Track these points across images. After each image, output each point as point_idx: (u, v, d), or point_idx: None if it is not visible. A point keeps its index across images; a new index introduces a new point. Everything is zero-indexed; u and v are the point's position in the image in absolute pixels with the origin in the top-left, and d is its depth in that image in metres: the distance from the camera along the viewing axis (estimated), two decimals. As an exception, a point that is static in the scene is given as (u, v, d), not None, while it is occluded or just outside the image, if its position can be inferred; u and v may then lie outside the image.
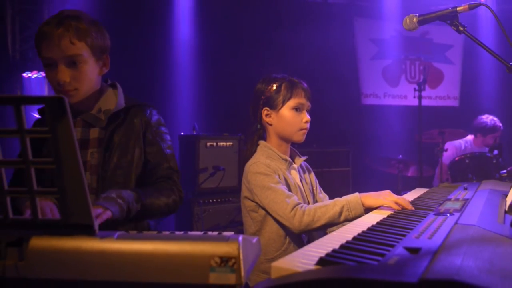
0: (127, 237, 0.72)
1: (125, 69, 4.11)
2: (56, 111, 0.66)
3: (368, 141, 5.30)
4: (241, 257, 0.66)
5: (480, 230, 0.99)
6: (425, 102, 4.11)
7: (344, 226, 1.19)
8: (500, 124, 4.25)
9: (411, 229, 1.06)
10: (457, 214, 1.21)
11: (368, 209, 1.52)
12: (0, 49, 4.11)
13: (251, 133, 1.83)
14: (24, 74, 4.26)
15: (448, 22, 1.59)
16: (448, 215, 1.21)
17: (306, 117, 1.75)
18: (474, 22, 5.57)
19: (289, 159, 1.76)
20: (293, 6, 5.35)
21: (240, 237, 0.69)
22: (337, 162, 4.70)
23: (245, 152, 1.81)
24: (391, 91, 5.91)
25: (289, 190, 1.68)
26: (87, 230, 0.72)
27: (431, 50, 6.04)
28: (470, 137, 4.44)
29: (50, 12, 4.16)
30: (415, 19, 1.65)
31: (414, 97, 3.95)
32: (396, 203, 1.48)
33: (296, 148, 1.87)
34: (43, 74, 4.05)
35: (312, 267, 0.75)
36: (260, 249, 0.80)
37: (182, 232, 0.78)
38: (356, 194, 1.57)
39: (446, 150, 4.13)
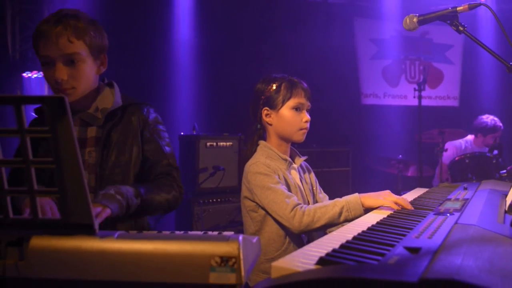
0: (127, 236, 0.72)
1: (125, 69, 4.11)
2: (56, 110, 0.66)
3: (368, 141, 5.30)
4: (241, 256, 0.66)
5: (480, 230, 0.99)
6: (425, 102, 4.11)
7: (344, 226, 1.19)
8: (501, 124, 4.25)
9: (411, 228, 1.06)
10: (457, 214, 1.21)
11: (368, 210, 1.52)
12: (0, 49, 4.11)
13: (251, 133, 1.83)
14: (24, 74, 4.26)
15: (448, 22, 1.59)
16: (448, 215, 1.21)
17: (306, 116, 1.75)
18: (474, 22, 5.57)
19: (289, 159, 1.76)
20: (293, 6, 5.34)
21: (240, 237, 0.69)
22: (337, 162, 4.70)
23: (245, 152, 1.81)
24: (391, 91, 5.90)
25: (289, 190, 1.68)
26: (87, 230, 0.72)
27: (431, 50, 6.04)
28: (470, 137, 4.44)
29: (50, 12, 4.12)
30: (415, 19, 1.65)
31: (414, 97, 3.95)
32: (396, 203, 1.48)
33: (296, 148, 1.87)
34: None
35: (312, 266, 0.75)
36: (260, 249, 0.80)
37: (182, 232, 0.78)
38: (356, 194, 1.57)
39: (446, 150, 4.13)
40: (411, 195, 1.81)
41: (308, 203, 1.77)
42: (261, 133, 1.80)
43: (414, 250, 0.81)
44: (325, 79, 4.89)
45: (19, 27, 4.27)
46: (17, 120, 0.68)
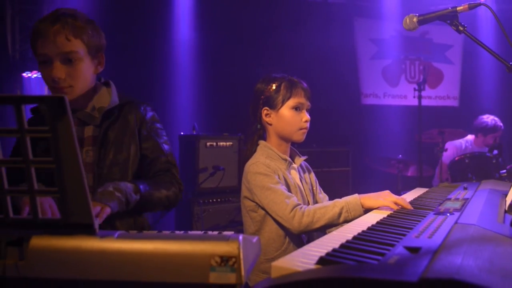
0: (127, 236, 0.72)
1: (125, 69, 4.12)
2: (56, 110, 0.66)
3: (368, 141, 5.30)
4: (241, 256, 0.66)
5: (480, 230, 0.99)
6: (425, 102, 4.11)
7: (344, 226, 1.19)
8: (501, 124, 4.25)
9: (411, 228, 1.06)
10: (457, 214, 1.21)
11: (367, 210, 1.53)
12: (0, 49, 4.11)
13: (251, 133, 1.83)
14: (24, 74, 4.26)
15: (448, 22, 1.59)
16: (448, 214, 1.21)
17: (306, 116, 1.75)
18: (474, 22, 5.57)
19: (289, 159, 1.76)
20: (293, 6, 5.34)
21: (241, 237, 0.69)
22: (337, 162, 4.70)
23: (245, 152, 1.81)
24: (391, 91, 5.90)
25: (289, 190, 1.68)
26: (87, 230, 0.72)
27: (431, 50, 6.04)
28: (470, 137, 4.44)
29: (50, 12, 4.15)
30: (415, 19, 1.65)
31: (414, 97, 3.95)
32: (395, 203, 1.49)
33: (296, 148, 1.87)
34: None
35: (312, 266, 0.75)
36: (260, 249, 0.80)
37: (182, 232, 0.78)
38: (356, 195, 1.57)
39: (446, 149, 4.13)
40: (411, 195, 1.81)
41: (308, 203, 1.77)
42: (261, 133, 1.80)
43: (414, 250, 0.81)
44: (325, 79, 4.89)
45: (19, 27, 4.27)
46: (17, 120, 0.68)
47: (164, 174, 1.55)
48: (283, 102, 1.72)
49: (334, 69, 5.18)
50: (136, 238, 0.70)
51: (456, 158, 3.90)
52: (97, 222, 0.73)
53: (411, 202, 1.54)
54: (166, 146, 1.59)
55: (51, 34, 1.37)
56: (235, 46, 4.90)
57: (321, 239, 0.97)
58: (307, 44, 5.09)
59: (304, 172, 1.86)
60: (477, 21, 5.63)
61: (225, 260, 0.66)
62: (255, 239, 0.76)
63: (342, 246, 0.88)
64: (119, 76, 1.69)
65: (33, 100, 0.71)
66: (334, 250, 0.84)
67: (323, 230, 1.60)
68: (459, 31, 1.58)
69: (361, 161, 4.88)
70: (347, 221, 1.51)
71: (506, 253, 0.78)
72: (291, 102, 1.72)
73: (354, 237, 0.96)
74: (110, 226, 1.41)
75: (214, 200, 3.75)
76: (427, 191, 1.94)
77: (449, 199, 1.56)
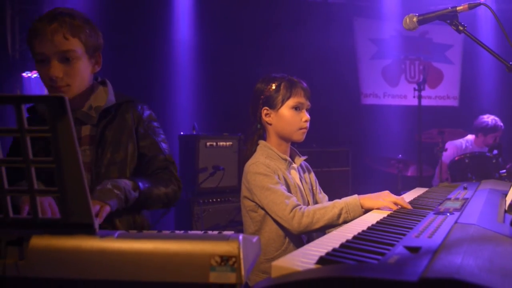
0: (127, 236, 0.72)
1: (125, 69, 4.12)
2: (56, 110, 0.66)
3: (367, 141, 5.29)
4: (241, 256, 0.66)
5: (480, 229, 0.99)
6: (424, 102, 4.11)
7: (344, 225, 1.19)
8: (501, 124, 4.26)
9: (411, 228, 1.06)
10: (457, 214, 1.21)
11: (367, 211, 1.53)
12: (0, 49, 4.11)
13: (251, 133, 1.83)
14: (24, 74, 4.26)
15: (448, 21, 1.59)
16: (448, 214, 1.21)
17: (306, 116, 1.75)
18: (473, 21, 5.57)
19: (288, 158, 1.76)
20: (292, 6, 5.34)
21: (241, 236, 0.69)
22: (336, 162, 4.70)
23: (245, 152, 1.81)
24: (390, 91, 5.90)
25: (289, 190, 1.68)
26: (88, 229, 0.72)
27: (431, 50, 6.03)
28: (471, 136, 4.44)
29: (50, 12, 4.15)
30: (414, 19, 1.65)
31: (414, 97, 3.95)
32: (395, 203, 1.49)
33: (296, 148, 1.87)
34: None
35: (312, 266, 0.75)
36: (260, 249, 0.80)
37: (182, 232, 0.78)
38: (355, 196, 1.57)
39: (446, 149, 4.13)
40: (411, 195, 1.81)
41: (308, 203, 1.77)
42: (261, 133, 1.80)
43: (414, 250, 0.81)
44: (325, 79, 4.89)
45: (19, 27, 4.27)
46: (17, 120, 0.68)
47: (163, 172, 1.55)
48: (283, 102, 1.72)
49: (334, 69, 5.18)
50: (136, 238, 0.70)
51: (456, 158, 3.90)
52: (97, 222, 0.73)
53: (411, 202, 1.54)
54: (164, 145, 1.60)
55: (48, 32, 1.37)
56: (235, 46, 4.90)
57: (321, 238, 0.97)
58: (307, 44, 5.08)
59: (304, 172, 1.86)
60: (477, 21, 5.63)
61: (225, 260, 0.66)
62: (255, 239, 0.76)
63: (342, 245, 0.88)
64: (119, 76, 1.70)
65: (33, 100, 0.71)
66: (334, 249, 0.84)
67: (323, 230, 1.60)
68: (459, 31, 1.58)
69: (361, 161, 4.87)
70: (346, 222, 1.51)
71: (506, 253, 0.78)
72: (291, 101, 1.72)
73: (354, 237, 0.96)
74: (109, 224, 1.41)
75: (214, 200, 3.75)
76: (427, 191, 1.94)
77: (449, 199, 1.56)
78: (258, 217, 1.68)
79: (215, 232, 0.76)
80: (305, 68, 4.60)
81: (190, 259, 0.67)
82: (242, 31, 4.94)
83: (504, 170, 3.47)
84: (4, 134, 0.71)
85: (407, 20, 1.66)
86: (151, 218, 1.66)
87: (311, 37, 5.07)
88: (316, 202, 1.86)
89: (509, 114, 5.06)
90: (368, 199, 1.55)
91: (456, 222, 1.08)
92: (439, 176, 4.20)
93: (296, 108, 1.73)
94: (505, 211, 1.28)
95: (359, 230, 1.04)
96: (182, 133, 4.05)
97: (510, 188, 1.48)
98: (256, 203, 1.66)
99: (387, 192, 1.55)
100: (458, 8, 1.56)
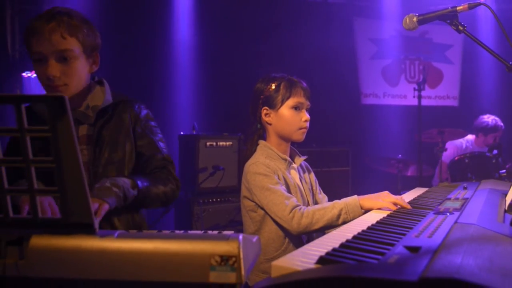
0: (127, 236, 0.72)
1: (125, 69, 4.12)
2: (56, 109, 0.66)
3: (367, 141, 5.29)
4: (241, 255, 0.66)
5: (480, 229, 0.99)
6: (424, 102, 4.11)
7: (344, 225, 1.19)
8: (501, 124, 4.26)
9: (411, 228, 1.06)
10: (457, 213, 1.21)
11: (367, 211, 1.53)
12: (0, 49, 4.11)
13: (250, 133, 1.83)
14: (24, 74, 4.26)
15: (448, 21, 1.59)
16: (448, 214, 1.21)
17: (306, 116, 1.75)
18: (473, 21, 5.57)
19: (288, 158, 1.76)
20: (293, 6, 5.34)
21: (241, 236, 0.69)
22: (336, 162, 4.70)
23: (245, 152, 1.81)
24: (390, 90, 5.90)
25: (289, 190, 1.68)
26: (87, 229, 0.72)
27: (431, 50, 6.03)
28: (471, 136, 4.44)
29: (50, 12, 4.15)
30: (414, 19, 1.65)
31: (414, 96, 3.95)
32: (394, 203, 1.49)
33: (296, 148, 1.87)
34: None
35: (312, 266, 0.75)
36: (260, 248, 0.80)
37: (182, 231, 0.78)
38: (355, 196, 1.57)
39: (446, 149, 4.13)
40: (410, 195, 1.81)
41: (308, 203, 1.77)
42: (261, 133, 1.80)
43: (414, 249, 0.81)
44: (325, 79, 4.88)
45: (19, 27, 4.26)
46: (17, 119, 0.68)
47: (161, 171, 1.55)
48: (282, 102, 1.72)
49: (334, 69, 5.17)
50: (136, 238, 0.70)
51: (456, 158, 3.91)
52: (97, 222, 0.73)
53: (410, 202, 1.54)
54: (161, 144, 1.60)
55: (46, 32, 1.37)
56: (235, 46, 4.90)
57: (321, 238, 0.97)
58: (307, 44, 5.08)
59: (304, 172, 1.86)
60: (477, 21, 5.63)
61: (225, 260, 0.66)
62: (255, 239, 0.76)
63: (342, 245, 0.88)
64: (119, 76, 1.69)
65: (33, 99, 0.71)
66: (334, 249, 0.84)
67: (322, 231, 1.60)
68: (459, 31, 1.58)
69: (361, 161, 4.88)
70: (345, 222, 1.51)
71: (506, 252, 0.78)
72: (291, 101, 1.72)
73: (354, 237, 0.96)
74: (107, 223, 1.41)
75: (214, 200, 3.75)
76: (427, 191, 1.94)
77: (449, 198, 1.56)
78: (257, 217, 1.68)
79: (215, 232, 0.76)
80: (305, 68, 4.60)
81: (190, 259, 0.67)
82: (242, 31, 4.94)
83: (504, 170, 3.47)
84: (4, 134, 0.72)
85: (407, 20, 1.66)
86: (151, 218, 1.66)
87: (311, 37, 5.07)
88: (316, 202, 1.86)
89: (509, 114, 5.06)
90: (367, 200, 1.55)
91: (456, 222, 1.08)
92: (439, 176, 4.20)
93: (296, 108, 1.73)
94: (505, 211, 1.28)
95: (359, 230, 1.04)
96: (182, 133, 4.05)
97: (510, 188, 1.48)
98: (255, 203, 1.66)
99: (386, 192, 1.55)
100: (458, 8, 1.56)
